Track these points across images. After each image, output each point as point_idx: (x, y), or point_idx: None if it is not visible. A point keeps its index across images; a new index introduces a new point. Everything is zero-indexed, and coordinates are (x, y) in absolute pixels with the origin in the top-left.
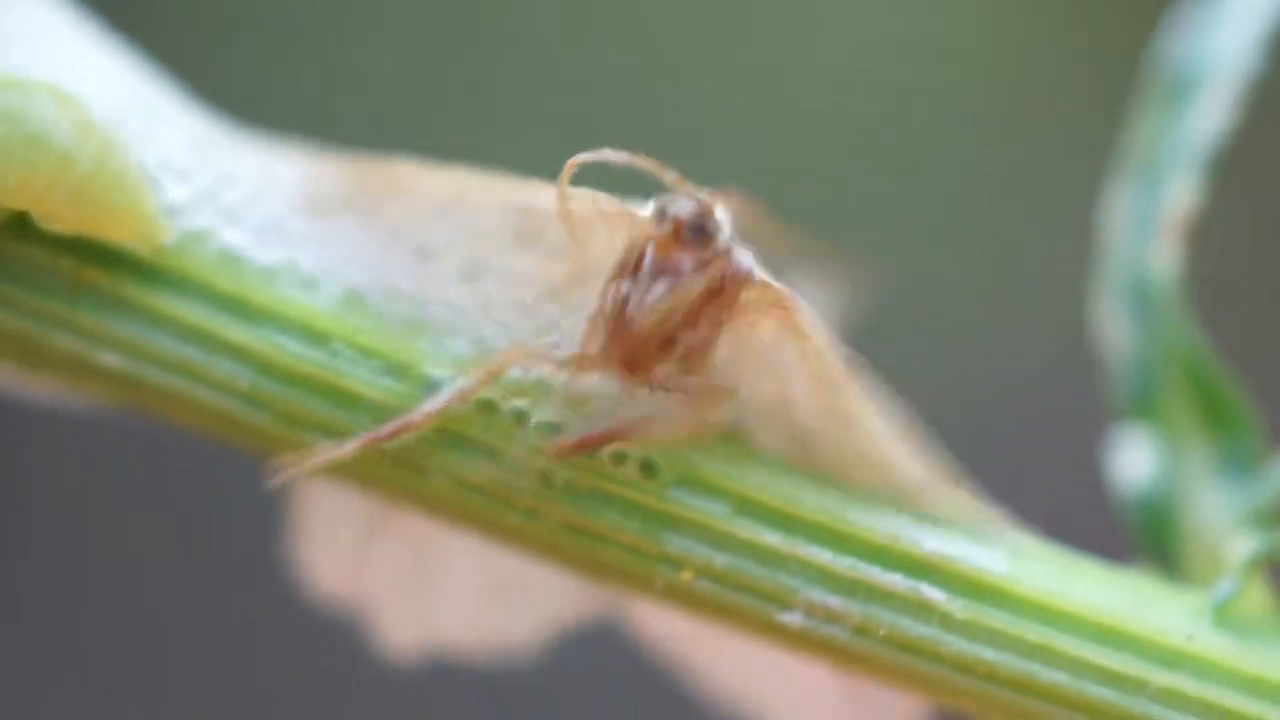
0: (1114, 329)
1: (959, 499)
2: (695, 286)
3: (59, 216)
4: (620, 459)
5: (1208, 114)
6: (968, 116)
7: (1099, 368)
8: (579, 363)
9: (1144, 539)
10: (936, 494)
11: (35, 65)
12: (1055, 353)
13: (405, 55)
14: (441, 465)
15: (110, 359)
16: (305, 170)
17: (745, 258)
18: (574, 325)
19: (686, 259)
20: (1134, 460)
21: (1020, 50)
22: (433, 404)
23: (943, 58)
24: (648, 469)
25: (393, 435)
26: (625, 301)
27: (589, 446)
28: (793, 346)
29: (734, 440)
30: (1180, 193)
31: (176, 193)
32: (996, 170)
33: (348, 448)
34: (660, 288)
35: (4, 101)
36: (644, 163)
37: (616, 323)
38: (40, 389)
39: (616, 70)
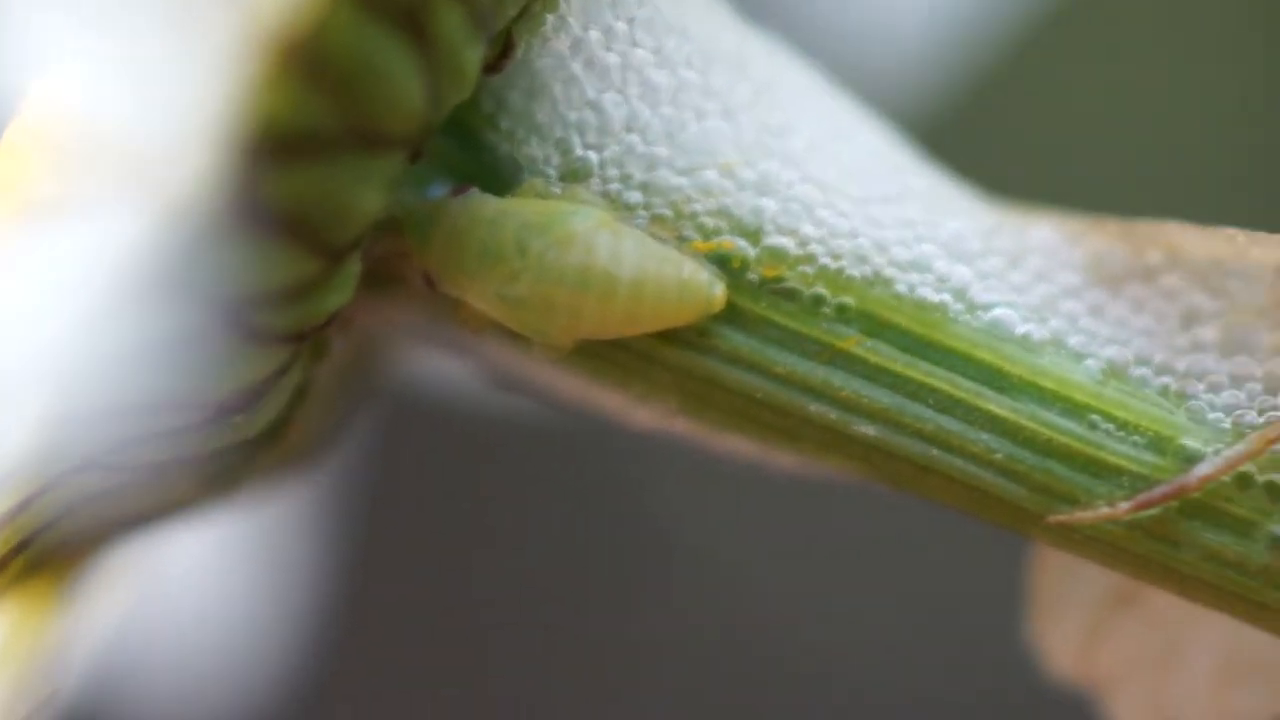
0: None
1: None
2: None
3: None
4: None
5: None
6: None
7: None
8: None
9: None
10: None
11: (811, 149)
12: None
13: None
14: (1195, 539)
15: (867, 429)
16: (1083, 240)
17: None
18: None
19: None
20: None
21: None
22: (1205, 469)
23: None
24: None
25: (1164, 499)
26: None
27: None
28: None
29: None
30: None
31: (960, 272)
32: None
33: (1117, 510)
34: None
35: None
36: None
37: None
38: (784, 460)
39: None
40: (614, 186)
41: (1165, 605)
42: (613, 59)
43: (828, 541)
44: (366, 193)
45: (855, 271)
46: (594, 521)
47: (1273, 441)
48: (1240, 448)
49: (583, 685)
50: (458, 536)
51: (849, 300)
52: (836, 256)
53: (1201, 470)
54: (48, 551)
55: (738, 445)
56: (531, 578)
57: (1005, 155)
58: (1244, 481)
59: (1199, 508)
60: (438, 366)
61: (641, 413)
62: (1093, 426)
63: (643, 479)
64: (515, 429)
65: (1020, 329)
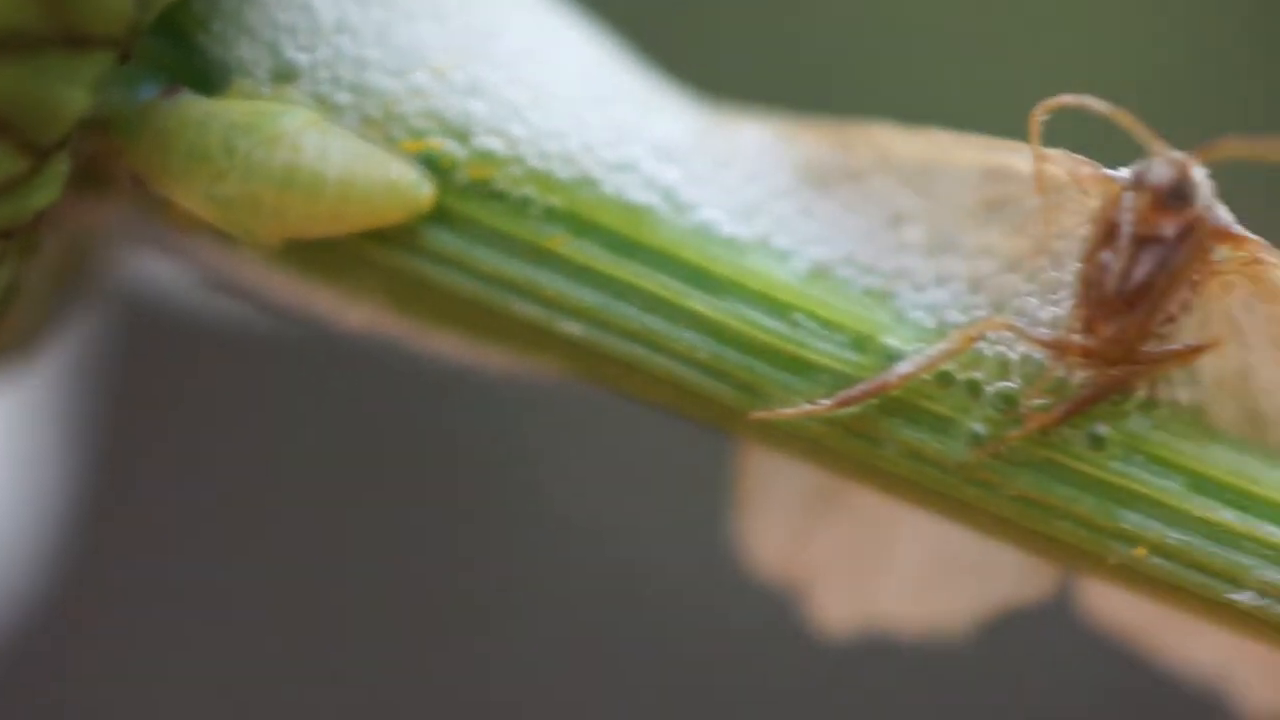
0: None
1: None
2: (1181, 254)
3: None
4: (1077, 430)
5: None
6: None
7: None
8: (1063, 346)
9: None
10: None
11: (521, 53)
12: None
13: None
14: (895, 436)
15: (573, 327)
16: (791, 142)
17: (1223, 213)
18: (1040, 297)
19: (1168, 225)
20: None
21: None
22: (905, 367)
23: None
24: (1094, 441)
25: (864, 397)
26: (1108, 274)
27: (1075, 412)
28: (1264, 309)
29: (1190, 416)
30: None
31: (668, 173)
32: None
33: (817, 406)
34: (1146, 259)
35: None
36: (1124, 117)
37: (1102, 298)
38: (492, 359)
39: None
40: (324, 88)
41: (870, 504)
42: None
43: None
44: (72, 92)
45: (563, 172)
46: (328, 424)
47: (973, 340)
48: (941, 346)
49: (324, 583)
50: (205, 439)
51: (556, 201)
52: (545, 158)
53: (902, 368)
54: None
55: (448, 344)
56: (277, 482)
57: (722, 55)
58: (945, 379)
59: (899, 405)
60: (155, 267)
61: (353, 313)
62: (796, 325)
63: (361, 383)
64: (256, 333)
65: (727, 229)
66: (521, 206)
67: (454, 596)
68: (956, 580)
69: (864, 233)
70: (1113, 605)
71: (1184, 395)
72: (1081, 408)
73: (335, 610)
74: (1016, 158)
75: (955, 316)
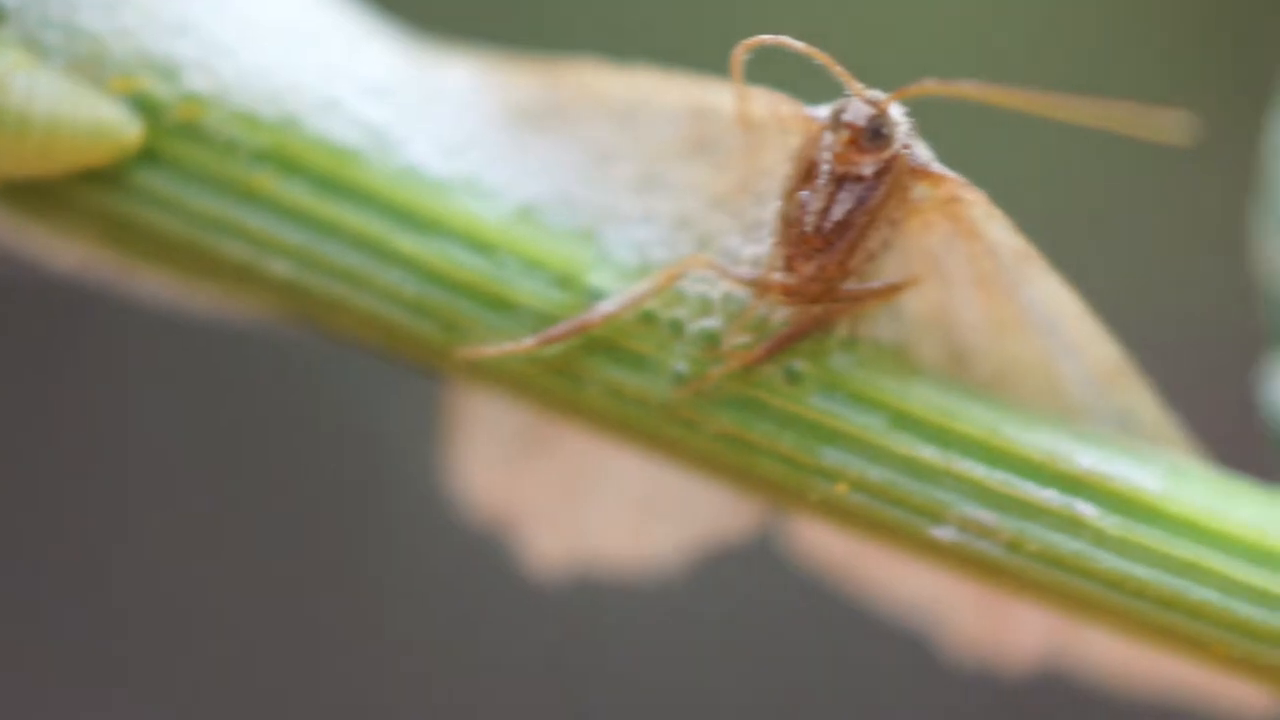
0: (1273, 255)
1: (1136, 391)
2: (879, 192)
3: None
4: (781, 368)
5: None
6: (1128, 39)
7: (1257, 294)
8: (763, 284)
9: None
10: (1116, 387)
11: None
12: (1213, 279)
13: None
14: (599, 375)
15: (280, 266)
16: (500, 80)
17: (922, 151)
18: (743, 235)
19: (866, 163)
20: None
21: None
22: (607, 306)
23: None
24: (792, 376)
25: (566, 335)
26: (807, 212)
27: (777, 350)
28: (963, 247)
29: (892, 354)
30: None
31: (376, 112)
32: (1157, 95)
33: (520, 345)
34: (845, 197)
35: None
36: (820, 55)
37: (801, 235)
38: (204, 299)
39: None
40: (33, 29)
41: (579, 443)
42: None
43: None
44: None
45: (270, 112)
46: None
47: (675, 278)
48: (644, 285)
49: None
50: None
51: (263, 140)
52: (251, 97)
53: (605, 307)
54: None
55: (159, 283)
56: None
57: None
58: (648, 318)
59: (602, 343)
60: None
61: (66, 253)
62: (501, 264)
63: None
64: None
65: (434, 168)
66: (229, 147)
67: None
68: (664, 518)
69: (572, 171)
70: (822, 544)
71: (887, 333)
72: (783, 345)
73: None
74: (721, 97)
75: (660, 254)
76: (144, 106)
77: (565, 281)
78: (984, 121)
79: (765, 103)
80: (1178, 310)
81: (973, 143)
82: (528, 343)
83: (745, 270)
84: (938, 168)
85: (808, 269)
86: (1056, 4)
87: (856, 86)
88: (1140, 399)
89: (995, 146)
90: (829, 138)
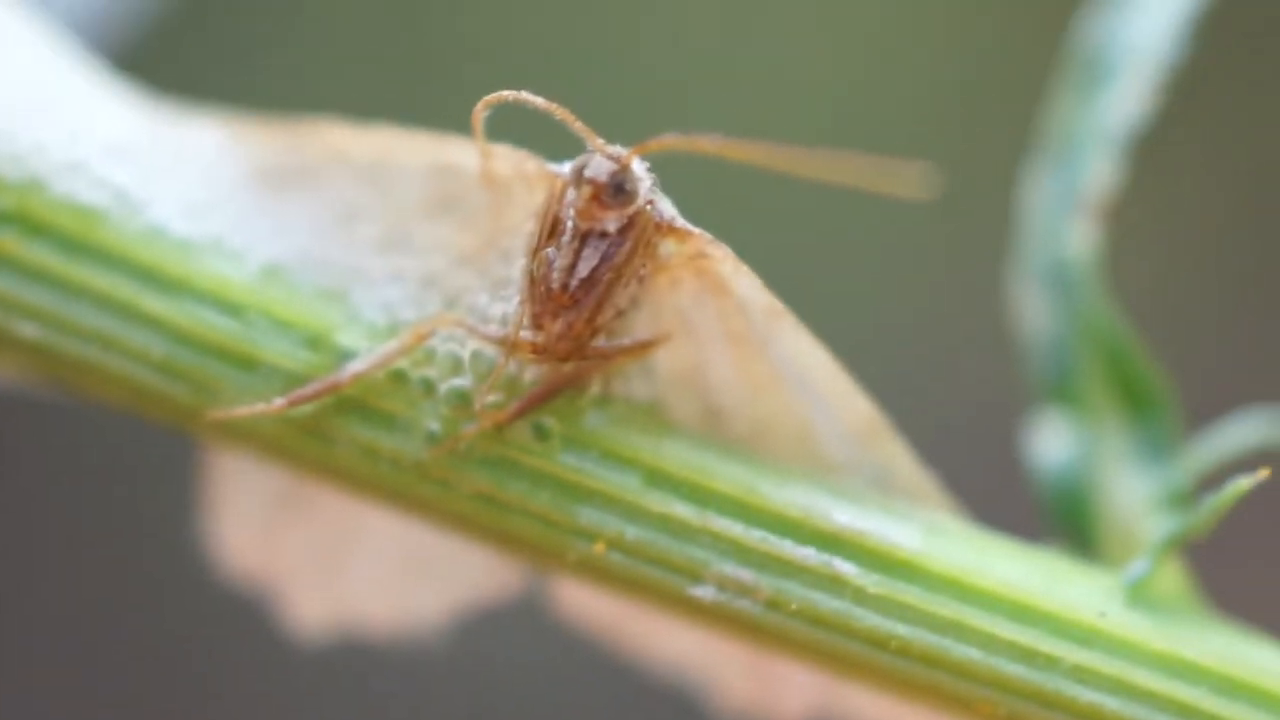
0: (1031, 310)
1: (892, 447)
2: (624, 249)
3: None
4: (533, 426)
5: (1126, 97)
6: (890, 96)
7: (1017, 349)
8: (512, 343)
9: (1060, 521)
10: (872, 443)
11: None
12: (973, 333)
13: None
14: (351, 435)
15: (28, 329)
16: (247, 140)
17: (667, 206)
18: (491, 293)
19: (609, 219)
20: (1050, 442)
21: (939, 33)
22: (357, 365)
23: (863, 42)
24: (542, 434)
25: (317, 396)
26: (552, 270)
27: (528, 409)
28: (713, 303)
29: (646, 412)
30: (1098, 174)
31: (122, 174)
32: (914, 150)
33: (270, 405)
34: (590, 254)
35: None
36: (560, 111)
37: (547, 293)
38: None
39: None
40: None
41: (338, 504)
42: None
43: None
44: None
45: (13, 174)
46: None
47: (424, 337)
48: (393, 344)
49: None
50: None
51: (7, 202)
52: None
53: (354, 366)
54: None
55: None
56: None
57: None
58: (398, 377)
59: (354, 403)
60: None
61: None
62: (249, 324)
63: None
64: None
65: (179, 229)
66: None
67: None
68: (424, 578)
69: (318, 231)
70: (589, 604)
71: (640, 391)
72: (534, 404)
73: None
74: (465, 154)
75: (408, 313)
76: None
77: (315, 342)
78: (741, 176)
79: (509, 159)
80: (934, 365)
81: (725, 197)
82: (278, 403)
83: (494, 329)
84: (683, 223)
85: (556, 327)
86: (829, 60)
87: (598, 142)
88: (897, 455)
89: (750, 200)
90: (572, 194)
